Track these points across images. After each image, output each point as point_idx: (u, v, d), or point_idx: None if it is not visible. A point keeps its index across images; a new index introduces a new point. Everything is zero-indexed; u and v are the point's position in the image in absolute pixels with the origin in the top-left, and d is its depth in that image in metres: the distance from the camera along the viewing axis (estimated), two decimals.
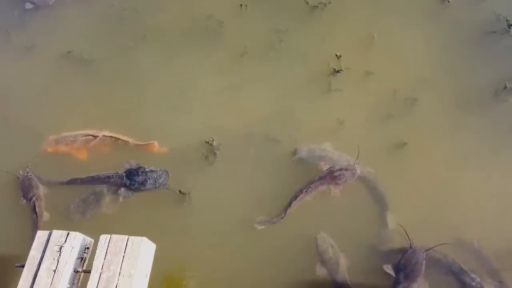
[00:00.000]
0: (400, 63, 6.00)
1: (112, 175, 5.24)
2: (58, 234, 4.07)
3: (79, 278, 4.10)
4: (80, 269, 4.08)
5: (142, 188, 5.15)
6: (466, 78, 5.80)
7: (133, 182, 5.14)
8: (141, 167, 5.26)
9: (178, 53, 6.35)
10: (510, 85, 5.54)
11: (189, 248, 4.95)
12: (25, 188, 5.29)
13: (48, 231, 4.09)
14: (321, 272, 4.82)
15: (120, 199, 5.19)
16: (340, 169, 5.09)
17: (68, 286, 3.94)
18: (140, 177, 5.15)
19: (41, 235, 4.08)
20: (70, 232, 4.08)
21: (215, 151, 5.47)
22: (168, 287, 4.77)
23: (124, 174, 5.20)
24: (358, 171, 5.11)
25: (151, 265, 4.30)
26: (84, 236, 4.19)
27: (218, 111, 5.84)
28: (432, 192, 5.09)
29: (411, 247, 4.66)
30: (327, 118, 5.67)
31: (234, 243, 5.00)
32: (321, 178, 5.13)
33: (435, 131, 5.47)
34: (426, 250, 4.61)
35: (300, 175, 5.27)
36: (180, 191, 5.23)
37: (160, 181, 5.19)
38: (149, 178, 5.15)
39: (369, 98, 5.76)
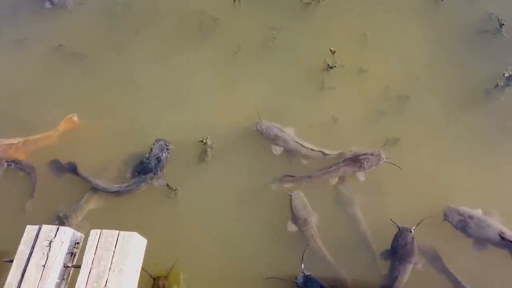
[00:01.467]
0: (393, 61, 6.01)
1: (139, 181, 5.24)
2: (47, 229, 4.02)
3: (69, 273, 4.06)
4: (70, 264, 4.03)
5: (163, 164, 5.34)
6: (458, 76, 5.82)
7: (156, 168, 5.27)
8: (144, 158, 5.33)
9: (171, 49, 6.32)
10: (502, 83, 5.58)
11: (179, 243, 4.94)
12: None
13: (38, 226, 4.04)
14: (292, 228, 4.89)
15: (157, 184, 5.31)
16: (366, 154, 5.14)
17: (58, 281, 3.89)
18: (154, 160, 5.29)
19: (30, 230, 4.02)
20: (60, 227, 4.03)
21: (208, 149, 5.44)
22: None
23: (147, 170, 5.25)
24: (384, 158, 5.12)
25: (142, 261, 4.26)
26: (74, 231, 4.15)
27: (211, 108, 5.81)
28: (423, 185, 5.11)
29: (398, 229, 4.69)
30: (320, 114, 5.67)
31: (224, 239, 4.99)
32: (346, 160, 5.16)
33: (427, 128, 5.48)
34: (413, 228, 4.64)
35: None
36: (168, 185, 5.22)
37: (165, 144, 5.40)
38: (158, 154, 5.32)
39: (362, 95, 5.76)
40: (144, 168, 5.30)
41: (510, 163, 5.23)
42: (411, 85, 5.76)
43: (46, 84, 6.11)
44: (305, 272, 4.56)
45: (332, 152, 5.30)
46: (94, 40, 6.40)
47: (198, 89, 5.99)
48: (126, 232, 4.07)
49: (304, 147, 5.30)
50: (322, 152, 5.28)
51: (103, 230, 4.06)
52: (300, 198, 5.03)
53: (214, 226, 5.06)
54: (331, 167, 5.15)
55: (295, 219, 4.94)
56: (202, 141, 5.44)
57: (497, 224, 4.69)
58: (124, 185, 5.20)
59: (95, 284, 3.79)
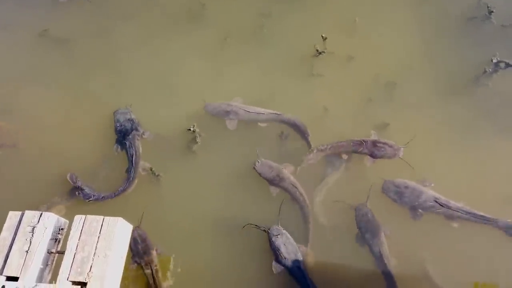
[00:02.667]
0: (382, 48, 6.00)
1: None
2: (30, 215, 3.95)
3: (53, 259, 4.00)
4: (54, 250, 3.97)
5: (136, 121, 5.50)
6: (447, 63, 5.83)
7: (133, 126, 5.42)
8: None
9: (158, 35, 6.25)
10: (490, 69, 5.58)
11: (164, 229, 4.93)
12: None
13: (20, 212, 3.98)
14: (274, 191, 5.02)
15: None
16: (385, 144, 5.10)
17: (41, 267, 3.84)
18: (127, 122, 5.45)
19: (12, 216, 3.96)
20: (43, 213, 3.97)
21: (197, 136, 5.39)
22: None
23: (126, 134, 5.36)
24: (401, 154, 5.06)
25: (127, 246, 4.23)
26: (58, 217, 4.08)
27: (199, 95, 5.73)
28: (409, 171, 5.07)
29: (355, 209, 4.87)
30: (309, 101, 5.66)
31: (210, 221, 4.99)
32: (363, 141, 5.14)
33: (415, 115, 5.47)
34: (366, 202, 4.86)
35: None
36: (151, 169, 5.20)
37: (124, 109, 5.56)
38: (126, 117, 5.50)
39: (351, 82, 5.75)
40: (123, 133, 5.38)
41: (497, 149, 5.24)
42: (400, 72, 5.75)
43: (30, 70, 6.00)
44: (279, 226, 4.72)
45: (281, 112, 5.40)
46: (79, 25, 6.32)
47: (186, 76, 5.93)
48: (111, 218, 4.01)
49: (252, 112, 5.39)
50: (274, 113, 5.39)
51: (87, 215, 4.00)
52: (265, 164, 5.11)
53: (200, 210, 5.04)
54: (345, 142, 5.16)
55: (270, 181, 5.06)
56: (190, 129, 5.39)
57: (431, 191, 4.87)
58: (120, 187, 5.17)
59: (79, 270, 3.74)
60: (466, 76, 5.69)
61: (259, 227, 4.75)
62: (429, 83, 5.71)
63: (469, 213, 4.74)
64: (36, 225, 3.90)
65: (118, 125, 5.49)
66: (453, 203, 4.79)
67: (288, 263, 4.59)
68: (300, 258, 4.62)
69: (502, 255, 4.70)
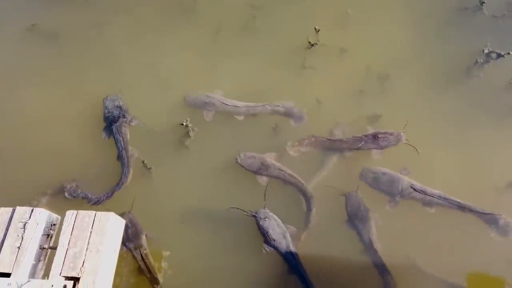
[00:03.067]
0: (373, 40, 5.98)
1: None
2: (22, 211, 3.94)
3: (46, 255, 4.00)
4: (46, 246, 3.97)
5: (124, 108, 5.53)
6: (439, 54, 5.83)
7: (121, 113, 5.44)
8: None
9: (150, 29, 6.19)
10: (481, 60, 5.59)
11: (157, 220, 4.96)
12: None
13: (11, 208, 3.96)
14: (263, 181, 5.06)
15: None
16: (385, 133, 5.16)
17: (34, 262, 3.83)
18: (115, 109, 5.47)
19: (3, 212, 3.94)
20: (35, 208, 3.95)
21: (190, 131, 5.37)
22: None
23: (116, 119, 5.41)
24: (403, 139, 5.13)
25: (120, 241, 4.23)
26: (50, 212, 4.08)
27: (192, 89, 5.70)
28: (400, 163, 5.15)
29: (345, 195, 4.93)
30: (302, 94, 5.63)
31: (202, 215, 5.01)
32: (365, 136, 5.18)
33: (407, 106, 5.49)
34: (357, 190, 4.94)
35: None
36: (143, 162, 5.20)
37: (114, 96, 5.58)
38: (115, 104, 5.51)
39: (343, 74, 5.73)
40: (111, 120, 5.40)
41: (489, 139, 5.27)
42: (392, 63, 5.74)
43: (20, 65, 5.95)
44: (266, 209, 4.79)
45: (257, 104, 5.44)
46: (70, 20, 6.23)
47: (179, 70, 5.89)
48: (103, 213, 4.01)
49: (229, 105, 5.45)
50: (248, 106, 5.45)
51: (79, 210, 4.00)
52: (248, 156, 5.16)
53: (192, 203, 5.06)
54: (348, 139, 5.19)
55: (257, 172, 5.11)
56: (183, 124, 5.37)
57: (407, 178, 4.99)
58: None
59: (71, 265, 3.74)
60: (458, 67, 5.69)
61: (246, 211, 4.79)
62: (421, 74, 5.71)
63: (446, 199, 4.84)
64: (28, 221, 3.89)
65: (106, 112, 5.50)
66: (429, 189, 4.88)
67: (277, 244, 4.67)
68: (289, 239, 4.71)
69: (487, 243, 4.77)
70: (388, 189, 4.96)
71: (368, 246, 4.71)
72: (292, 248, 4.67)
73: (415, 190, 4.87)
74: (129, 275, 4.74)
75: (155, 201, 5.09)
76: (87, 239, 3.88)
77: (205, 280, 4.74)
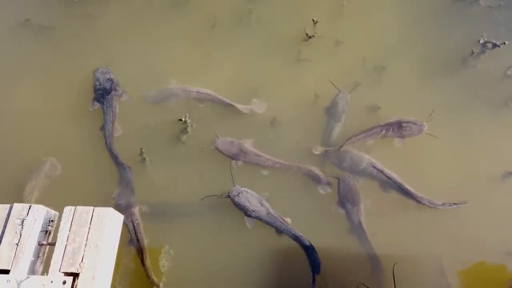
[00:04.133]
0: (369, 31, 5.96)
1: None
2: (19, 207, 3.92)
3: (45, 251, 3.99)
4: (44, 242, 3.96)
5: (115, 80, 5.58)
6: (435, 45, 5.82)
7: (112, 85, 5.51)
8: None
9: (144, 23, 6.15)
10: (477, 50, 5.60)
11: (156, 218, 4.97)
12: None
13: (9, 205, 3.94)
14: (236, 164, 5.15)
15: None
16: (409, 122, 5.18)
17: (33, 259, 3.83)
18: (106, 82, 5.52)
19: (1, 209, 3.92)
20: (32, 205, 3.94)
21: (188, 126, 5.34)
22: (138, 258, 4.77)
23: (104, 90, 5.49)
24: (426, 129, 5.16)
25: (119, 236, 4.23)
26: (48, 208, 4.06)
27: (188, 84, 5.67)
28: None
29: (338, 178, 5.02)
30: (299, 87, 5.62)
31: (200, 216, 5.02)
32: (387, 124, 5.20)
33: (403, 97, 5.51)
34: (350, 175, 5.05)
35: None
36: (141, 150, 5.19)
37: (104, 68, 5.63)
38: (105, 76, 5.57)
39: (339, 66, 5.72)
40: (102, 92, 5.45)
41: (485, 128, 5.29)
42: (388, 55, 5.73)
43: (13, 60, 5.91)
44: (236, 185, 4.90)
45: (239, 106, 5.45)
46: (63, 14, 6.16)
47: (173, 64, 5.85)
48: (101, 208, 4.00)
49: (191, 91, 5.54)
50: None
51: (77, 206, 3.98)
52: (225, 141, 5.24)
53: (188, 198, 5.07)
54: (372, 129, 5.22)
55: (234, 157, 5.18)
56: (181, 119, 5.34)
57: (369, 158, 5.13)
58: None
59: (70, 261, 3.74)
60: (454, 58, 5.70)
61: (219, 195, 4.87)
62: (418, 65, 5.70)
63: (398, 183, 4.96)
64: (26, 218, 3.88)
65: (97, 84, 5.53)
66: (386, 171, 5.01)
67: (258, 213, 4.80)
68: (267, 205, 4.84)
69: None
70: (350, 168, 5.12)
71: (357, 227, 4.82)
72: (272, 211, 4.81)
73: (375, 169, 5.00)
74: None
75: (150, 193, 5.11)
76: (86, 235, 3.87)
77: (204, 274, 4.76)
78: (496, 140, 5.25)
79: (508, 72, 5.54)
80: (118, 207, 4.79)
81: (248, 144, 5.24)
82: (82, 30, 6.08)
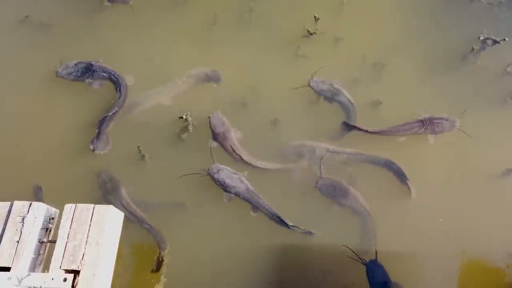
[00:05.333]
0: (369, 29, 5.96)
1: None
2: (20, 205, 3.92)
3: (45, 248, 3.99)
4: (45, 240, 3.97)
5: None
6: (435, 42, 5.82)
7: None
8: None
9: (144, 20, 6.11)
10: (477, 47, 5.60)
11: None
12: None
13: (9, 202, 3.94)
14: (212, 144, 5.27)
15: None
16: (441, 118, 5.19)
17: (33, 256, 3.83)
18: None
19: (1, 207, 3.92)
20: (33, 203, 3.93)
21: (189, 124, 5.33)
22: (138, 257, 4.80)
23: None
24: (457, 125, 5.17)
25: (119, 234, 4.22)
26: (48, 206, 4.06)
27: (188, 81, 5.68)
28: None
29: (317, 186, 5.01)
30: (297, 84, 5.59)
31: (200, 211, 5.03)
32: (419, 121, 5.18)
33: (402, 94, 5.51)
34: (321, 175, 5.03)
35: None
36: (138, 147, 5.18)
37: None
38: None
39: (339, 63, 5.72)
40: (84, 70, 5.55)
41: (485, 124, 5.31)
42: (388, 51, 5.73)
43: (13, 57, 5.92)
44: (216, 163, 5.01)
45: None
46: (62, 10, 6.16)
47: (174, 61, 5.84)
48: (102, 206, 4.00)
49: None
50: None
51: (77, 204, 3.98)
52: (218, 117, 5.32)
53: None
54: (404, 124, 5.20)
55: (215, 135, 5.28)
56: (182, 117, 5.33)
57: (324, 144, 5.25)
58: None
59: (71, 258, 3.74)
60: (455, 54, 5.71)
61: (198, 172, 4.95)
62: (418, 61, 5.71)
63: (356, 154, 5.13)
64: (26, 215, 3.87)
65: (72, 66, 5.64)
66: (341, 149, 5.17)
67: (237, 189, 4.91)
68: (246, 182, 4.96)
69: None
70: (326, 94, 5.40)
71: (361, 211, 4.89)
72: (251, 188, 4.92)
73: (331, 152, 5.14)
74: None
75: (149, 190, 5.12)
76: (86, 232, 3.87)
77: (203, 269, 4.78)
78: (496, 134, 5.26)
79: (508, 69, 5.54)
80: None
81: (234, 134, 5.29)
82: (81, 27, 6.06)
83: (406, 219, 4.91)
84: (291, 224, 4.73)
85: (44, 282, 3.58)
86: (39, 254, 3.92)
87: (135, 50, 5.93)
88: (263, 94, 5.58)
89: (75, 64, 5.66)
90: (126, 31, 6.07)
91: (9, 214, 3.89)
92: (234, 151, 5.16)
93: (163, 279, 4.68)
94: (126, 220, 4.62)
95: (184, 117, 5.32)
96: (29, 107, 5.60)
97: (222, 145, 5.24)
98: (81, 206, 3.99)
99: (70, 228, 3.87)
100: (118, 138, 5.36)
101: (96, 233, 3.87)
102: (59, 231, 3.86)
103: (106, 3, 6.21)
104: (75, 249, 3.78)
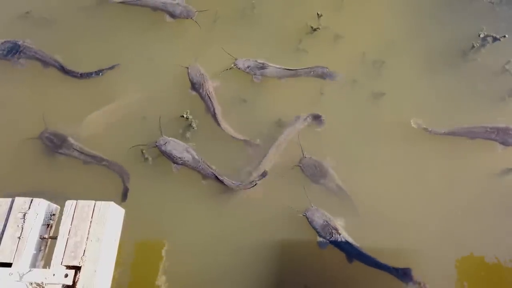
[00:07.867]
0: (369, 26, 5.95)
1: None
2: (21, 201, 3.95)
3: (46, 245, 4.02)
4: (46, 236, 3.99)
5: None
6: (435, 39, 5.82)
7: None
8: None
9: (146, 17, 6.09)
10: (477, 44, 5.60)
11: (156, 214, 5.00)
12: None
13: (11, 199, 3.97)
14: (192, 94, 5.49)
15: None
16: None
17: (35, 252, 3.86)
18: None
19: (2, 203, 3.94)
20: (34, 199, 3.96)
21: (192, 123, 5.35)
22: (139, 252, 4.81)
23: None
24: None
25: (120, 230, 4.25)
26: (49, 202, 4.09)
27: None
28: None
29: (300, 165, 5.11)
30: (303, 83, 5.63)
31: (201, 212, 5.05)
32: (494, 128, 5.11)
33: (404, 91, 5.51)
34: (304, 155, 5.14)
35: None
36: (142, 151, 5.21)
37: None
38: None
39: (339, 60, 5.71)
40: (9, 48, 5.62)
41: (486, 122, 5.24)
42: (388, 49, 5.73)
43: None
44: (164, 136, 5.21)
45: None
46: (63, 6, 6.14)
47: (174, 59, 5.83)
48: (103, 202, 4.02)
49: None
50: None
51: (78, 200, 4.01)
52: (196, 68, 5.58)
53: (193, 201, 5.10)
54: (475, 127, 5.15)
55: (193, 85, 5.53)
56: (183, 116, 5.34)
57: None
58: None
59: (72, 254, 3.77)
60: (455, 51, 5.71)
61: (146, 144, 5.18)
62: (418, 59, 5.70)
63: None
64: (27, 211, 3.90)
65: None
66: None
67: (184, 160, 5.09)
68: (193, 152, 5.15)
69: None
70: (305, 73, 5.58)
71: (339, 191, 4.98)
72: (197, 157, 5.10)
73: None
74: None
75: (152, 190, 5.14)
76: (88, 229, 3.90)
77: (203, 268, 4.80)
78: None
79: (507, 67, 5.54)
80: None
81: (211, 83, 5.51)
82: (82, 23, 6.06)
83: None
84: (238, 182, 4.96)
85: (46, 278, 3.61)
86: (40, 250, 3.96)
87: (136, 46, 5.92)
88: (264, 94, 5.59)
89: (2, 43, 5.72)
90: (127, 27, 6.04)
91: (11, 210, 3.92)
92: (210, 99, 5.38)
93: None
94: (83, 163, 4.94)
95: (185, 115, 5.34)
96: (29, 107, 5.63)
97: (200, 94, 5.46)
98: (82, 202, 4.02)
99: (71, 225, 3.91)
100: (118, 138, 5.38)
101: (97, 230, 3.90)
102: (60, 227, 3.89)
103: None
104: (76, 245, 3.82)
